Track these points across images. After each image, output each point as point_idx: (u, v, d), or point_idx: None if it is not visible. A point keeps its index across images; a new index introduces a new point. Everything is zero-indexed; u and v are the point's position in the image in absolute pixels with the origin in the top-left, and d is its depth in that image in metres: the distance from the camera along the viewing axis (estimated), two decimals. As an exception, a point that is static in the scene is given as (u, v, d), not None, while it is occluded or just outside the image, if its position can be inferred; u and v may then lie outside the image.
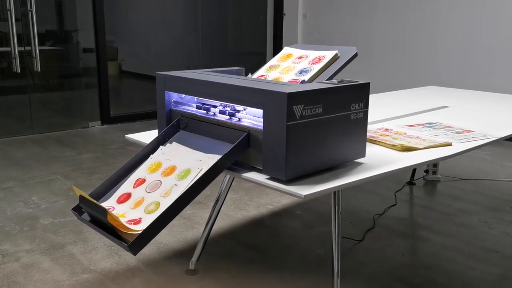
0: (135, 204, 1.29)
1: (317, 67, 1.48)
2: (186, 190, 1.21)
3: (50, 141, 4.18)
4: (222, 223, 2.52)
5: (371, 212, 2.69)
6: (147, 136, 1.66)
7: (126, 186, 1.37)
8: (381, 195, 2.94)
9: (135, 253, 1.14)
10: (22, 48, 4.24)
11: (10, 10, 4.04)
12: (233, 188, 3.01)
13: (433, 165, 3.25)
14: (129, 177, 1.40)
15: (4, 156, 3.71)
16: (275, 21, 6.20)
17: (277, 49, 6.23)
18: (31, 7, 4.15)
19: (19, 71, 4.20)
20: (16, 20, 4.12)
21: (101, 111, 4.88)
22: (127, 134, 1.72)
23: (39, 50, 4.26)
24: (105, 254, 2.16)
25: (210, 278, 1.97)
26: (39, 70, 4.30)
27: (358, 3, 5.38)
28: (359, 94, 1.32)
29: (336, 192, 1.46)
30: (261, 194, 2.94)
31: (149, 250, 2.20)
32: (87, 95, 4.94)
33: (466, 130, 1.80)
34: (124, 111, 5.10)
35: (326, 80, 1.42)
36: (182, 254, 2.18)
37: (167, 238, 2.33)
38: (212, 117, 1.41)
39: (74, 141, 4.21)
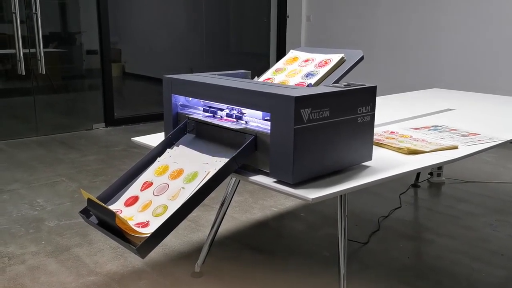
0: (143, 207, 1.29)
1: (323, 71, 1.49)
2: (194, 193, 1.22)
3: (55, 143, 4.20)
4: (227, 225, 2.52)
5: (376, 214, 2.69)
6: (153, 139, 1.67)
7: (134, 189, 1.37)
8: (386, 198, 2.94)
9: (143, 256, 1.14)
10: (26, 50, 4.26)
11: (15, 13, 4.05)
12: (238, 191, 3.02)
13: (438, 167, 3.25)
14: (136, 180, 1.40)
15: (8, 158, 3.73)
16: (279, 23, 6.21)
17: (280, 51, 6.23)
18: (36, 10, 4.17)
19: (24, 73, 4.22)
20: (21, 23, 4.14)
21: (105, 113, 4.89)
22: (131, 136, 1.72)
23: (44, 52, 4.28)
24: (110, 257, 2.17)
25: (216, 281, 1.97)
26: (44, 72, 4.31)
27: (361, 5, 5.38)
28: (366, 97, 1.32)
29: (342, 195, 1.47)
30: (265, 196, 2.94)
31: (155, 252, 2.21)
32: (91, 96, 4.96)
33: (472, 133, 1.80)
34: (128, 113, 5.11)
35: (333, 83, 1.42)
36: (188, 256, 2.18)
37: (173, 241, 2.33)
38: (219, 120, 1.41)
39: (79, 143, 4.22)
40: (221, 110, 1.45)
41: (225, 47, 6.19)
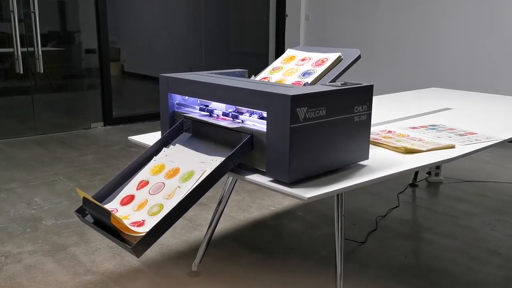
0: (139, 206, 1.29)
1: (320, 69, 1.48)
2: (190, 192, 1.21)
3: (53, 142, 4.19)
4: (224, 224, 2.52)
5: (374, 214, 2.68)
6: (150, 138, 1.66)
7: (129, 188, 1.37)
8: (384, 197, 2.94)
9: (138, 255, 1.14)
10: (25, 49, 4.25)
11: (13, 11, 4.05)
12: (236, 190, 3.01)
13: (436, 167, 3.24)
14: (132, 179, 1.40)
15: (7, 157, 3.72)
16: (278, 22, 6.20)
17: (279, 50, 6.23)
18: (34, 8, 4.16)
19: (22, 72, 4.21)
20: (19, 21, 4.13)
21: (103, 112, 4.88)
22: (129, 135, 1.72)
23: (42, 51, 4.27)
24: (107, 256, 2.16)
25: (213, 280, 1.97)
26: (42, 71, 4.31)
27: (360, 4, 5.38)
28: (363, 96, 1.32)
29: (339, 194, 1.46)
30: (263, 195, 2.94)
31: (152, 251, 2.20)
32: (89, 96, 4.95)
33: (469, 132, 1.79)
34: (127, 112, 5.11)
35: (329, 82, 1.41)
36: (185, 255, 2.18)
37: (170, 240, 2.33)
38: (215, 119, 1.41)
39: (77, 142, 4.22)
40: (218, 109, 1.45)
41: (224, 47, 6.18)
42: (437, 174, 3.25)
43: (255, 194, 2.96)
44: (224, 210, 2.12)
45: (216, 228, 2.05)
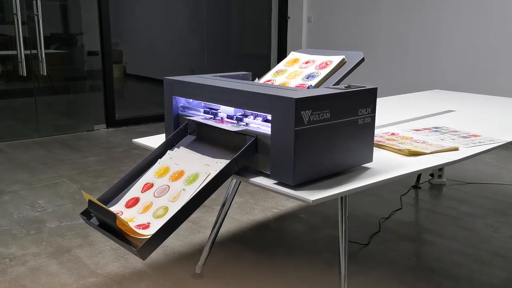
0: (144, 208, 1.30)
1: (324, 72, 1.49)
2: (195, 195, 1.22)
3: (56, 144, 4.20)
4: (228, 226, 2.52)
5: (377, 216, 2.68)
6: (154, 141, 1.67)
7: (134, 190, 1.37)
8: (387, 199, 2.94)
9: (144, 258, 1.15)
10: (28, 52, 4.27)
11: (16, 14, 4.06)
12: (239, 192, 3.02)
13: (439, 169, 3.24)
14: (137, 181, 1.40)
15: (10, 159, 3.73)
16: (280, 24, 6.21)
17: (281, 52, 6.23)
18: (37, 11, 4.17)
19: (25, 75, 4.23)
20: (23, 24, 4.15)
21: (106, 114, 4.89)
22: (132, 137, 1.73)
23: (45, 54, 4.29)
24: (111, 258, 2.17)
25: (217, 282, 1.97)
26: (45, 74, 4.32)
27: (362, 6, 5.38)
28: (367, 99, 1.32)
29: (343, 197, 1.47)
30: (266, 197, 2.94)
31: (156, 253, 2.21)
32: (92, 98, 4.96)
33: (473, 135, 1.80)
34: (129, 114, 5.12)
35: (333, 85, 1.42)
36: (189, 257, 2.18)
37: (174, 242, 2.33)
38: (220, 122, 1.42)
39: (80, 144, 4.23)
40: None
41: (226, 49, 6.19)
42: (440, 176, 3.25)
43: (258, 196, 2.96)
44: (228, 212, 2.12)
45: (220, 230, 2.05)
